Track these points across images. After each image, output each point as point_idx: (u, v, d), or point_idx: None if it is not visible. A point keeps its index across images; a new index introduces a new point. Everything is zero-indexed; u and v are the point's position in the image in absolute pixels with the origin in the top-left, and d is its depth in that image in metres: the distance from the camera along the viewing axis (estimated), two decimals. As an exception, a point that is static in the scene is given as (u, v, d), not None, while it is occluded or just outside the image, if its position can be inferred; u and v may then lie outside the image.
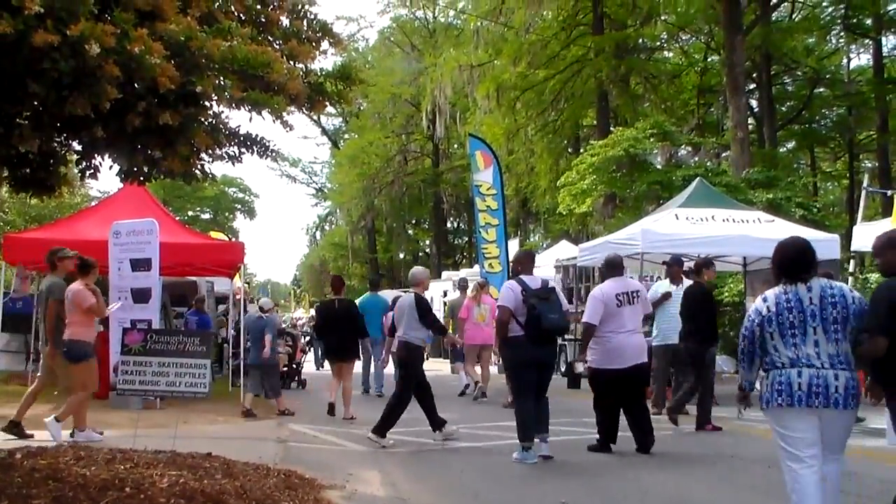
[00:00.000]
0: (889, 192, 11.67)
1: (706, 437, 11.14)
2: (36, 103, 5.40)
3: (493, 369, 18.02)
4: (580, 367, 12.53)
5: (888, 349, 5.45)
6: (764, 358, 5.64)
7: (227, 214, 68.89)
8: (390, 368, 15.55)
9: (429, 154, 54.50)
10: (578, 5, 33.40)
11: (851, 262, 12.09)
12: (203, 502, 6.11)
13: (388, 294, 20.75)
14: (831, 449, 5.50)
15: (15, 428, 9.64)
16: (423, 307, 10.60)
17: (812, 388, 5.34)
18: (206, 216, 65.63)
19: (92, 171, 6.30)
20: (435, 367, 20.09)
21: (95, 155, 6.20)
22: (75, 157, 6.33)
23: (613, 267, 10.16)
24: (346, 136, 63.02)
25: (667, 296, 13.39)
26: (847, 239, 12.87)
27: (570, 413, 12.38)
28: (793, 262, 5.72)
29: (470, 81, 36.14)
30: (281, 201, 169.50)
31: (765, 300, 5.65)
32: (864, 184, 12.73)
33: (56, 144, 6.19)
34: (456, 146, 50.17)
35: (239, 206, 70.17)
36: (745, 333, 5.70)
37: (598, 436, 9.98)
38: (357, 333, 13.80)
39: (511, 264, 10.52)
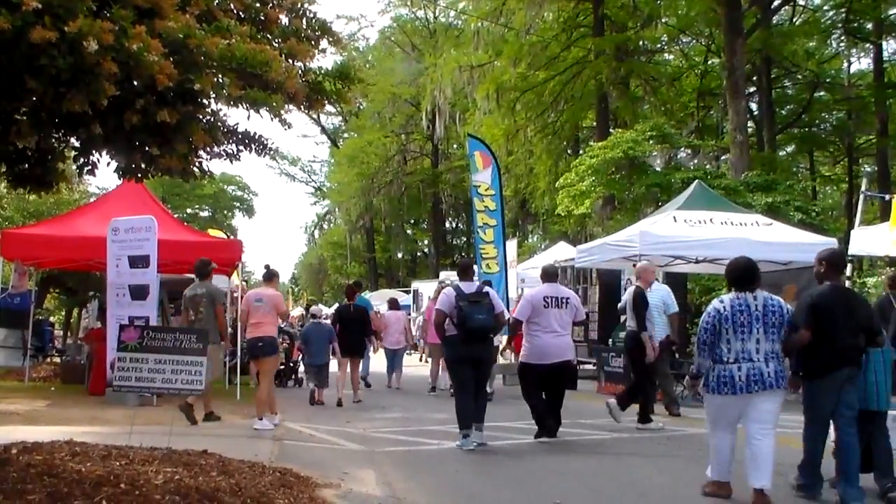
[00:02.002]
0: (887, 196, 11.65)
1: (703, 438, 11.13)
2: (34, 100, 5.39)
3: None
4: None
5: (813, 339, 7.19)
6: (714, 351, 7.21)
7: (225, 212, 68.83)
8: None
9: (428, 154, 54.56)
10: (579, 7, 33.42)
11: (849, 265, 12.05)
12: (198, 499, 6.11)
13: (386, 294, 20.92)
14: (766, 422, 7.11)
15: (211, 415, 11.53)
16: (637, 301, 11.98)
17: (750, 379, 7.04)
18: (205, 214, 65.61)
19: (90, 167, 6.29)
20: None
21: (93, 152, 6.19)
22: (73, 153, 6.32)
23: (548, 275, 11.34)
24: (346, 135, 63.10)
25: None
26: (846, 243, 12.87)
27: (568, 414, 12.35)
28: (742, 275, 7.43)
29: (470, 82, 36.14)
30: (280, 200, 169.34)
31: (721, 302, 7.33)
32: (863, 188, 12.72)
33: (54, 141, 6.18)
34: (455, 146, 50.21)
35: (238, 204, 70.12)
36: (705, 327, 7.27)
37: (537, 428, 10.86)
38: (367, 333, 16.23)
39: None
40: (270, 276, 12.98)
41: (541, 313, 10.68)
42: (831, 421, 7.37)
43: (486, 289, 10.63)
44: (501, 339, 13.48)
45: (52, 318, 30.62)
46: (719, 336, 7.17)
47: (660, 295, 13.13)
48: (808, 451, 7.44)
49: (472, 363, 10.19)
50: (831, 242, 15.71)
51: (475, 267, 15.45)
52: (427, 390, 17.44)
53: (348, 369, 15.66)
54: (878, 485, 7.50)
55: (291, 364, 19.24)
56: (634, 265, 14.11)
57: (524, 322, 10.79)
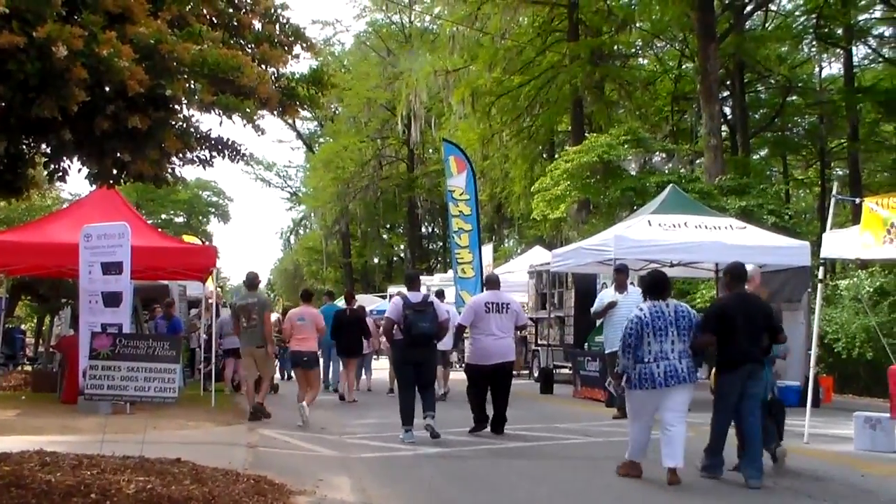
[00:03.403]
0: (858, 200, 11.72)
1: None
2: (2, 105, 5.33)
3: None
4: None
5: (717, 342, 8.34)
6: (636, 352, 8.19)
7: (200, 218, 68.38)
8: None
9: (404, 159, 54.52)
10: (554, 12, 33.50)
11: (821, 268, 12.13)
12: (170, 508, 6.07)
13: (361, 300, 20.85)
14: (679, 412, 8.22)
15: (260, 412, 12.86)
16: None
17: (667, 375, 8.11)
18: (180, 220, 65.13)
19: (60, 173, 6.24)
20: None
21: (64, 157, 6.13)
22: (43, 159, 6.26)
23: (490, 283, 12.43)
24: (322, 140, 62.93)
25: (612, 304, 13.72)
26: (818, 246, 12.98)
27: (543, 418, 12.41)
28: (657, 286, 8.54)
29: (445, 86, 36.13)
30: (255, 205, 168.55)
31: (642, 310, 8.33)
32: (834, 191, 12.78)
33: (24, 147, 6.12)
34: (431, 151, 50.16)
35: (213, 210, 69.67)
36: (630, 332, 8.26)
37: (474, 422, 11.83)
38: (363, 335, 17.23)
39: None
40: (308, 297, 14.63)
41: (482, 318, 11.57)
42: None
43: (431, 298, 11.54)
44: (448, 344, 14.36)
45: (23, 326, 30.36)
46: (641, 339, 8.20)
47: (634, 299, 13.14)
48: (714, 436, 8.44)
49: (415, 365, 11.16)
50: (804, 246, 15.84)
51: (449, 272, 15.90)
52: (386, 391, 17.48)
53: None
54: (768, 453, 8.71)
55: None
56: (623, 269, 14.10)
57: (468, 326, 11.81)
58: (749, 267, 12.26)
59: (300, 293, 15.04)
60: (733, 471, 8.42)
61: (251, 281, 13.73)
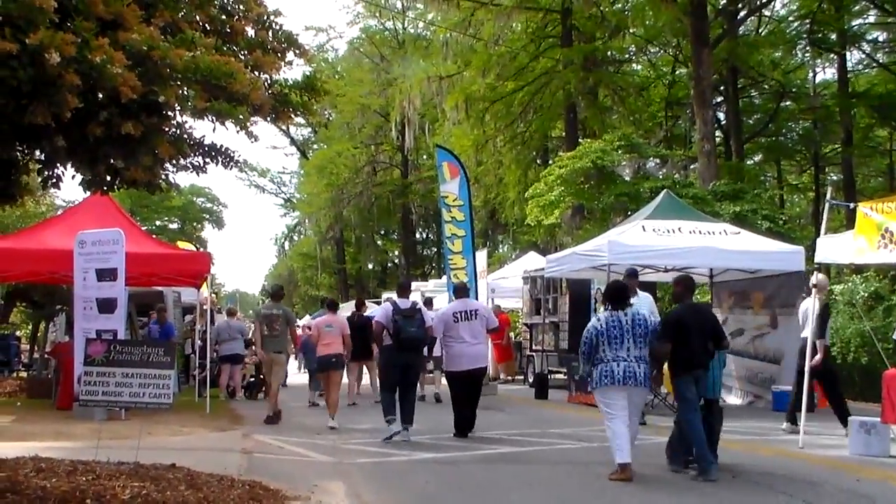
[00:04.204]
0: (852, 205, 11.76)
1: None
2: (-5, 111, 5.34)
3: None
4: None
5: (672, 349, 8.90)
6: (595, 356, 8.81)
7: (195, 224, 68.34)
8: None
9: (397, 165, 54.49)
10: (547, 18, 33.56)
11: (815, 273, 12.16)
12: (164, 514, 6.07)
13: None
14: (635, 413, 8.98)
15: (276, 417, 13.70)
16: (825, 312, 12.39)
17: (626, 374, 8.62)
18: (174, 226, 65.09)
19: (54, 180, 6.25)
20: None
21: (57, 164, 6.14)
22: (37, 166, 6.26)
23: (458, 291, 13.34)
24: (315, 146, 62.87)
25: None
26: (812, 251, 13.00)
27: (538, 423, 12.42)
28: (616, 296, 9.10)
29: (439, 92, 36.09)
30: (250, 211, 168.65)
31: (599, 320, 8.97)
32: (828, 196, 12.80)
33: (17, 153, 6.12)
34: (425, 157, 50.12)
35: (207, 216, 69.62)
36: (586, 340, 8.91)
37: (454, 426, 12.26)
38: (370, 341, 16.82)
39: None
40: (335, 307, 15.03)
41: (452, 327, 12.20)
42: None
43: (419, 305, 12.38)
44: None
45: (18, 333, 30.28)
46: (596, 347, 8.81)
47: (643, 303, 13.09)
48: (696, 438, 8.82)
49: (403, 368, 11.77)
50: (798, 251, 15.86)
51: (443, 278, 16.18)
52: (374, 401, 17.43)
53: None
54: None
55: (262, 377, 19.11)
56: (635, 273, 14.03)
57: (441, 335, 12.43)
58: (820, 276, 12.51)
59: (326, 303, 15.89)
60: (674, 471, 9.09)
61: (276, 292, 15.32)
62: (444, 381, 16.89)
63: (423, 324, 11.87)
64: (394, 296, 12.84)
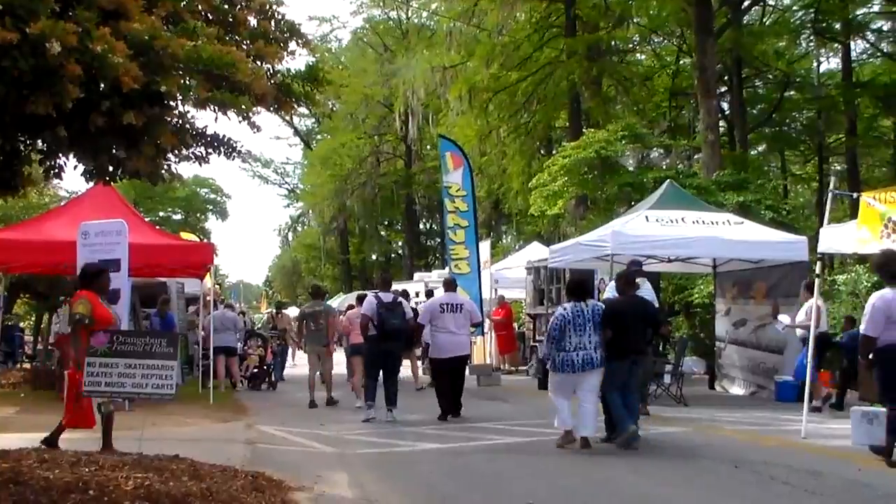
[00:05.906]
0: (855, 195, 11.71)
1: (677, 437, 11.19)
2: (-4, 102, 5.32)
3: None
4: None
5: (612, 335, 10.04)
6: (559, 343, 9.92)
7: (198, 215, 68.17)
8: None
9: (401, 155, 54.42)
10: (551, 7, 33.46)
11: (819, 263, 12.14)
12: (168, 505, 6.07)
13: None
14: (592, 391, 10.03)
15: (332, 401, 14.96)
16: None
17: (584, 362, 9.87)
18: (178, 217, 64.94)
19: (56, 170, 6.24)
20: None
21: (59, 154, 6.13)
22: (39, 156, 6.25)
23: (447, 284, 14.32)
24: (319, 136, 62.85)
25: None
26: (815, 241, 12.94)
27: (541, 413, 12.40)
28: (578, 288, 10.51)
29: (442, 83, 36.04)
30: (253, 202, 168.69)
31: (565, 309, 10.15)
32: (831, 186, 12.76)
33: (19, 144, 6.11)
34: (429, 147, 50.06)
35: (211, 207, 69.44)
36: (555, 326, 10.02)
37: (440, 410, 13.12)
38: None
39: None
40: (363, 300, 15.48)
41: (438, 317, 13.26)
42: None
43: (400, 298, 13.35)
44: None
45: (22, 324, 30.34)
46: (564, 333, 9.92)
47: (646, 293, 13.06)
48: (616, 412, 10.10)
49: (385, 356, 12.80)
50: (801, 241, 15.81)
51: (446, 269, 16.57)
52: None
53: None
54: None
55: (266, 367, 19.15)
56: (638, 264, 13.99)
57: (427, 324, 13.51)
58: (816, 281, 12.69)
59: (356, 297, 17.24)
60: (604, 442, 10.22)
61: (316, 291, 17.09)
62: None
63: (405, 316, 12.88)
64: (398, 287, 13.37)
